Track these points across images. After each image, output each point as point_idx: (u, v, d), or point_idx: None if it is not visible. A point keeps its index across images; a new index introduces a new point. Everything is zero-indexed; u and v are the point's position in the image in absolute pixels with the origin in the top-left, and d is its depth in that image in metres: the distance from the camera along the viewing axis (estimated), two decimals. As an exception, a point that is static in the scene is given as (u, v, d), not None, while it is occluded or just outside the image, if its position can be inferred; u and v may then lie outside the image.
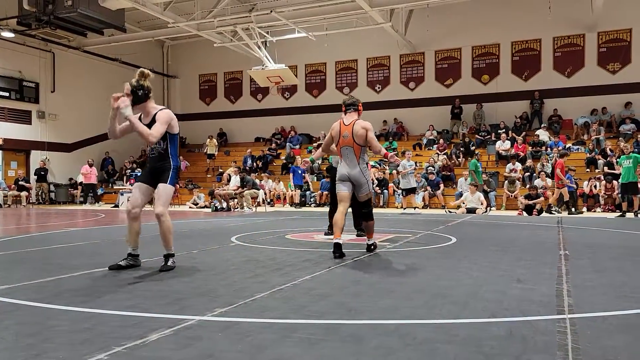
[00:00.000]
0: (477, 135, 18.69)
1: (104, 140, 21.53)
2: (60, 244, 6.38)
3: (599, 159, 15.62)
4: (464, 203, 13.82)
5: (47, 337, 2.53)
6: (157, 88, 24.43)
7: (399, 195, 15.91)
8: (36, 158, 19.12)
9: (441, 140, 18.47)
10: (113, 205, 17.65)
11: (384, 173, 16.62)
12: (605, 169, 14.75)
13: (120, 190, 17.70)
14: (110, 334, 2.55)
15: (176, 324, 2.73)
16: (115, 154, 21.63)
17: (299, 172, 16.71)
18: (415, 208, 14.05)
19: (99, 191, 19.90)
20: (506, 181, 15.12)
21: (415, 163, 15.65)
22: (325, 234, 7.09)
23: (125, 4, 15.17)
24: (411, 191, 13.97)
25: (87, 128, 20.83)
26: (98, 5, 15.01)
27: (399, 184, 14.85)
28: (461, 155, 17.66)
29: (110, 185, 20.50)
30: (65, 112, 19.99)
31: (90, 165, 18.38)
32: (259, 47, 17.49)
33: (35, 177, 18.80)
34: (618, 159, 13.59)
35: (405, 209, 13.93)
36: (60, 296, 3.44)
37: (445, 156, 17.38)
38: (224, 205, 14.95)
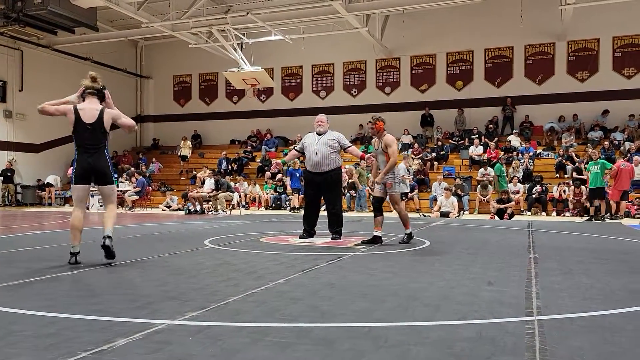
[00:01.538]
0: (450, 140, 18.95)
1: (73, 141, 21.11)
2: (25, 247, 6.20)
3: (568, 165, 16.01)
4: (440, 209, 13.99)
5: (10, 342, 2.45)
6: (130, 88, 24.08)
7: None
8: (2, 159, 18.55)
9: (416, 145, 18.66)
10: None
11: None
12: (574, 174, 15.11)
13: (91, 192, 17.30)
14: (76, 339, 2.49)
15: (145, 328, 2.68)
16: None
17: (297, 175, 15.97)
18: (417, 210, 14.57)
19: (68, 192, 19.44)
20: (479, 185, 15.36)
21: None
22: (299, 237, 7.07)
23: (98, 3, 14.91)
24: (403, 196, 14.17)
25: (57, 128, 20.31)
26: (69, 3, 14.71)
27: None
28: (435, 161, 17.89)
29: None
30: (33, 112, 19.19)
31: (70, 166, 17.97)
32: (235, 49, 17.39)
33: (1, 178, 18.26)
34: (586, 165, 13.95)
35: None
36: (24, 300, 3.34)
37: (420, 160, 17.56)
38: (198, 208, 14.79)
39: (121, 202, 17.06)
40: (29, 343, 2.44)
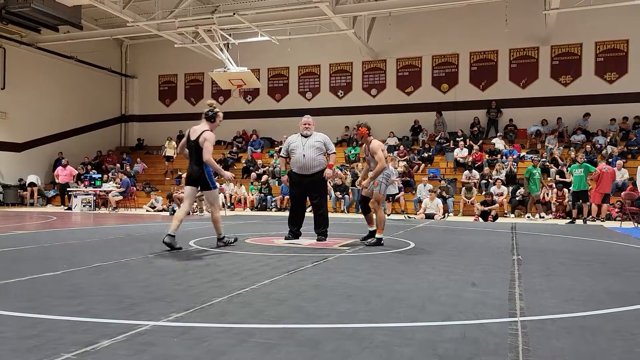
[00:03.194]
0: (436, 142, 19.08)
1: (56, 140, 20.85)
2: (7, 247, 6.11)
3: (551, 168, 16.22)
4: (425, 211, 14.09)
5: (-10, 345, 2.41)
6: (115, 88, 23.84)
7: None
8: (-17, 158, 18.32)
9: (401, 147, 18.76)
10: (66, 207, 17.05)
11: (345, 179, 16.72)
12: (557, 177, 15.31)
13: (74, 192, 17.12)
14: (59, 340, 2.46)
15: (129, 329, 2.66)
16: (69, 155, 20.89)
17: None
18: (402, 212, 14.68)
19: (51, 192, 19.21)
20: (463, 188, 15.48)
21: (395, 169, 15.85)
22: (285, 239, 7.06)
23: (82, 1, 14.76)
24: (393, 197, 14.28)
25: (39, 127, 20.09)
26: (53, 0, 14.53)
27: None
28: (421, 162, 18.00)
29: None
30: (15, 110, 19.20)
31: (64, 166, 17.70)
32: (221, 49, 17.33)
33: (-18, 177, 17.98)
34: (569, 168, 14.14)
35: (388, 215, 14.17)
36: (6, 301, 3.29)
37: (405, 162, 17.65)
38: (183, 208, 14.65)
39: (105, 203, 16.89)
40: (10, 345, 2.41)
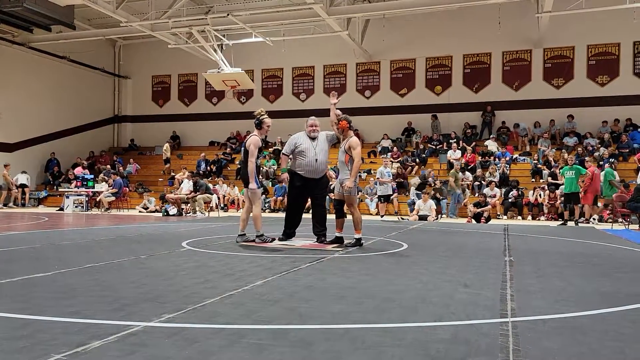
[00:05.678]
0: (429, 145, 19.14)
1: (49, 141, 20.73)
2: (-2, 248, 6.06)
3: (544, 170, 16.31)
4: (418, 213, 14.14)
5: (-20, 346, 2.39)
6: (108, 88, 23.75)
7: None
8: (-26, 158, 18.18)
9: (395, 149, 18.80)
10: (58, 208, 16.95)
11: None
12: (549, 179, 15.40)
13: (66, 193, 17.02)
14: (49, 341, 2.45)
15: (121, 330, 2.65)
16: (61, 155, 20.79)
17: None
18: (396, 213, 14.71)
19: (43, 193, 19.10)
20: (456, 189, 15.52)
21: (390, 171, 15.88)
22: (279, 240, 7.02)
23: (76, 1, 14.69)
24: (387, 198, 14.30)
25: (31, 127, 19.96)
26: (46, 0, 14.45)
27: (374, 191, 15.14)
28: (415, 164, 18.06)
29: (55, 187, 19.66)
30: (7, 110, 19.06)
31: (84, 168, 17.57)
32: (215, 50, 17.30)
33: (-27, 177, 17.84)
34: (561, 170, 14.23)
35: (382, 216, 14.17)
36: (-4, 302, 3.27)
37: (399, 164, 17.69)
38: (176, 210, 14.64)
39: (97, 203, 16.80)
40: (0, 346, 2.39)
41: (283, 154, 6.98)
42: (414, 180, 15.64)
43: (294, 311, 3.14)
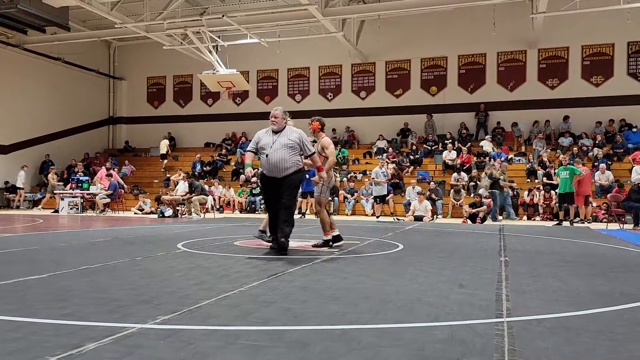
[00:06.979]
0: (424, 145, 19.18)
1: (43, 142, 20.64)
2: (-8, 251, 6.03)
3: (539, 170, 16.37)
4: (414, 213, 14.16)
5: (-27, 348, 2.38)
6: (102, 90, 23.67)
7: (349, 202, 16.15)
8: (-31, 160, 18.08)
9: (390, 149, 18.82)
10: (53, 210, 16.88)
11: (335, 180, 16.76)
12: (544, 179, 15.45)
13: (61, 195, 16.95)
14: (43, 344, 2.43)
15: (116, 332, 2.64)
16: (56, 157, 20.70)
17: (306, 176, 15.08)
18: (392, 214, 14.67)
19: (38, 195, 19.00)
20: (452, 190, 15.57)
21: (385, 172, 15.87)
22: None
23: (70, 2, 14.63)
24: (383, 199, 14.31)
25: (26, 129, 19.87)
26: (40, 1, 14.39)
27: (370, 192, 15.18)
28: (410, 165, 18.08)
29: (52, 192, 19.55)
30: (1, 112, 18.97)
31: (108, 169, 17.38)
32: (210, 51, 17.28)
33: (-33, 180, 17.74)
34: (556, 170, 14.27)
35: (378, 217, 14.17)
36: (-10, 305, 3.25)
37: (395, 165, 17.70)
38: (171, 211, 14.61)
39: (92, 205, 16.74)
40: (-7, 349, 2.37)
41: (247, 150, 6.23)
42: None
43: (289, 312, 3.13)
